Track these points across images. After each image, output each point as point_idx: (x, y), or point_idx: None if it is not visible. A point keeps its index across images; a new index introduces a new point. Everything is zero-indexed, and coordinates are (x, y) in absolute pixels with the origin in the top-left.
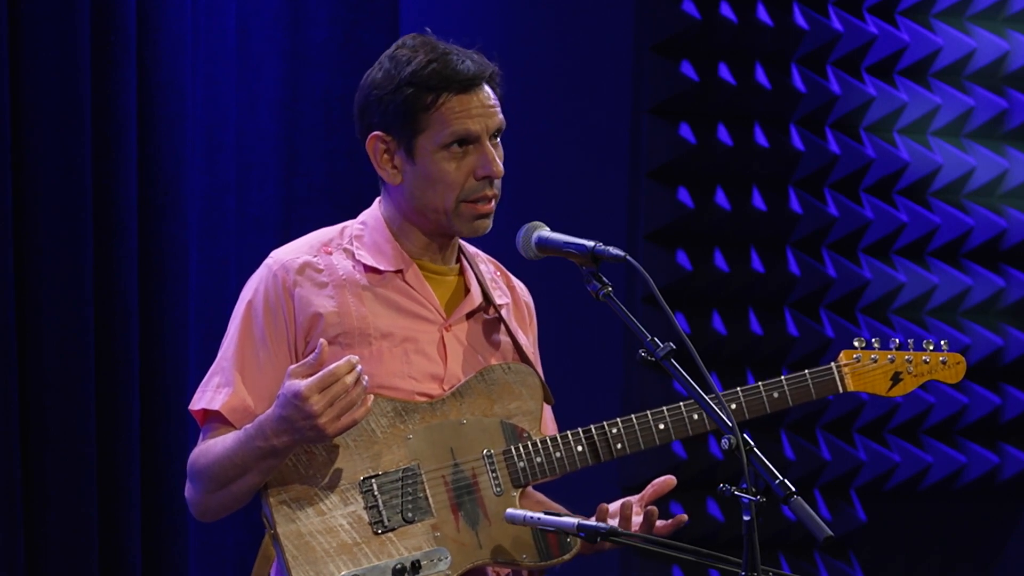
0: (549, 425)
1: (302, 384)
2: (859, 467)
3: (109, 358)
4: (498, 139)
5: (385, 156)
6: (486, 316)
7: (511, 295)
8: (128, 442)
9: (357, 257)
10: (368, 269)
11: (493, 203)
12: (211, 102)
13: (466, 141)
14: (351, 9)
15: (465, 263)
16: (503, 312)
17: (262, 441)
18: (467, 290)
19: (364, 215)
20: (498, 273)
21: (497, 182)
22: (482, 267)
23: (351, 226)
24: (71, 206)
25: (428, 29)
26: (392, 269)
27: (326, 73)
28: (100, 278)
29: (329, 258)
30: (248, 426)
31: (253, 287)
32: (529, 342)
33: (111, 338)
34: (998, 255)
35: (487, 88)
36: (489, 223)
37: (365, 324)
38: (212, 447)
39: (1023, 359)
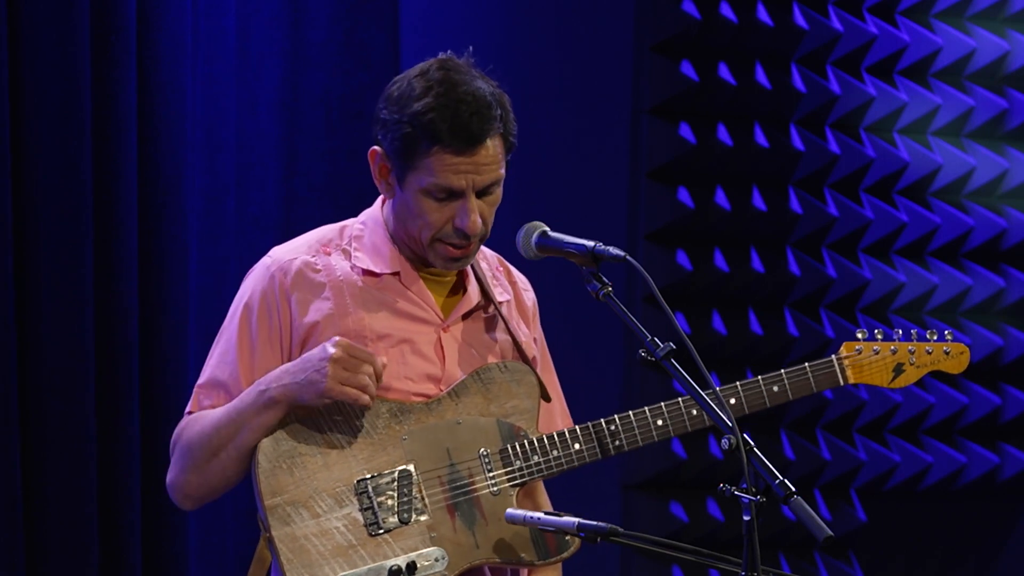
0: (558, 421)
1: (343, 339)
2: (859, 467)
3: (109, 358)
4: (494, 191)
5: (382, 173)
6: (485, 315)
7: (513, 291)
8: (128, 442)
9: (353, 260)
10: (365, 272)
11: (472, 247)
12: (211, 102)
13: (450, 194)
14: (351, 9)
15: None
16: (503, 309)
17: (263, 386)
18: (464, 289)
19: (365, 214)
20: (500, 268)
21: (482, 230)
22: (483, 264)
23: (351, 225)
24: (71, 206)
25: (470, 55)
26: (389, 271)
27: (326, 73)
28: (100, 278)
29: (328, 259)
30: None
31: (250, 287)
32: (530, 335)
33: (111, 338)
34: (998, 255)
35: (489, 144)
36: (466, 263)
37: (361, 326)
38: (202, 416)
39: (1023, 359)
